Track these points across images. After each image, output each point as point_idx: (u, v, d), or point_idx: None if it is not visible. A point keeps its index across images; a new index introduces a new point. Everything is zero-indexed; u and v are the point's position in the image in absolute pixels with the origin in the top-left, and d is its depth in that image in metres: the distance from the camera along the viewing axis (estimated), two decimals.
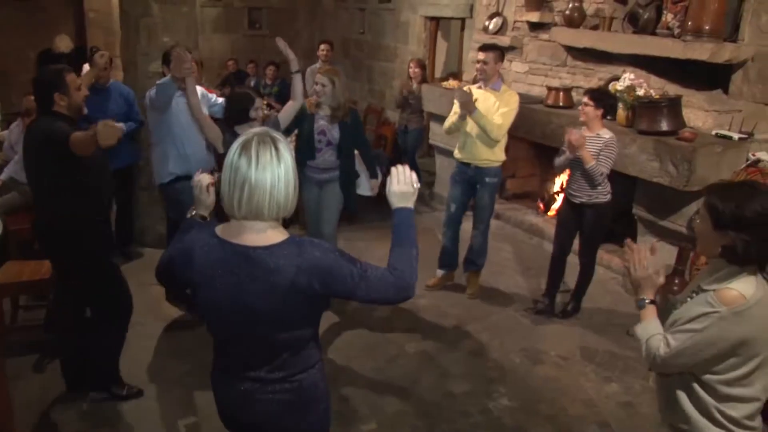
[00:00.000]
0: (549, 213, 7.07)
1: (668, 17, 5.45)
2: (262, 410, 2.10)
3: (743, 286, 2.05)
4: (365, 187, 5.27)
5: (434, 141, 7.73)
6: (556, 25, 6.69)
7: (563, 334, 4.85)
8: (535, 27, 7.00)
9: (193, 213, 2.30)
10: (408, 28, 9.53)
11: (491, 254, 5.54)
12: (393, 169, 2.16)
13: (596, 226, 4.81)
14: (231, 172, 1.91)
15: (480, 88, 5.08)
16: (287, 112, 4.71)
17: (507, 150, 5.23)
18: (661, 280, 2.27)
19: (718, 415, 2.14)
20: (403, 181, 2.13)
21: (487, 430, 3.76)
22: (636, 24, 5.85)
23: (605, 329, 4.83)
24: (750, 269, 2.08)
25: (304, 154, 4.83)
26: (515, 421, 3.83)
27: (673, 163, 4.84)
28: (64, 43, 10.76)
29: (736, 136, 4.95)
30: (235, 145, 1.93)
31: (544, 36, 6.87)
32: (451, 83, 7.39)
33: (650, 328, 2.23)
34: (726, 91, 5.37)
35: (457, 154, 5.24)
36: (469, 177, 5.19)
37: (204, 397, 3.81)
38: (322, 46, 8.22)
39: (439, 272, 5.53)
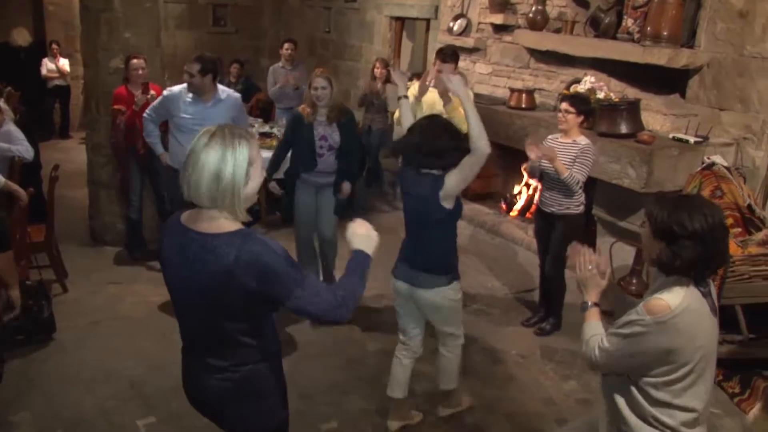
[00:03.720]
0: (511, 213, 7.15)
1: (628, 22, 5.56)
2: (210, 392, 2.20)
3: (671, 296, 2.07)
4: None
5: None
6: (519, 27, 6.76)
7: (523, 333, 4.90)
8: (498, 29, 7.07)
9: None
10: (373, 28, 9.54)
11: None
12: (355, 220, 2.31)
13: (564, 238, 4.47)
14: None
15: (436, 87, 5.07)
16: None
17: None
18: (604, 282, 2.32)
19: (652, 420, 2.17)
20: (365, 227, 2.26)
21: (447, 429, 3.78)
22: (597, 28, 5.95)
23: (564, 328, 4.86)
24: (684, 281, 2.10)
25: (305, 164, 4.71)
26: (475, 420, 3.86)
27: (632, 165, 4.93)
28: (21, 37, 10.56)
29: (692, 139, 5.06)
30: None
31: (508, 38, 6.93)
32: (415, 83, 7.39)
33: (592, 328, 2.28)
34: (683, 95, 5.49)
35: None
36: None
37: (163, 397, 3.78)
38: (286, 45, 8.16)
39: None
